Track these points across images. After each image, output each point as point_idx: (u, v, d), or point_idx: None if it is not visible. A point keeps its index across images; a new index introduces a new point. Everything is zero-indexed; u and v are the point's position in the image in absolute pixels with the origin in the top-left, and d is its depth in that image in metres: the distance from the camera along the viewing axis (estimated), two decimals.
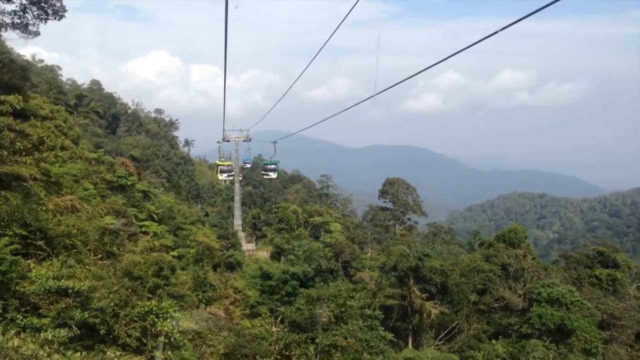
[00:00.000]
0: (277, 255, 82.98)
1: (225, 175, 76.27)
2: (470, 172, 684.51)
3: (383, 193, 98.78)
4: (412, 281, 44.08)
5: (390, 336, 36.94)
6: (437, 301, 43.99)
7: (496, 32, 9.90)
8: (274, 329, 41.05)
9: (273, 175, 59.25)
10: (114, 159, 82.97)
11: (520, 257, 50.53)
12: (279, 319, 41.52)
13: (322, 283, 43.33)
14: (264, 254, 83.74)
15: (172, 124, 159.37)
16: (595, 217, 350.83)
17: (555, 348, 40.65)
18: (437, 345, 43.40)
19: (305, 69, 20.59)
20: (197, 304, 36.00)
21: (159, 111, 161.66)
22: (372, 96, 17.34)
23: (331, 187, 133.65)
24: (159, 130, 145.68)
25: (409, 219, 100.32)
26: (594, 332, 42.26)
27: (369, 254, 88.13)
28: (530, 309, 44.90)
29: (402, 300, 44.49)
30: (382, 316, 38.82)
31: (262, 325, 41.72)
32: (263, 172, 60.94)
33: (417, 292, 43.34)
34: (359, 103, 18.64)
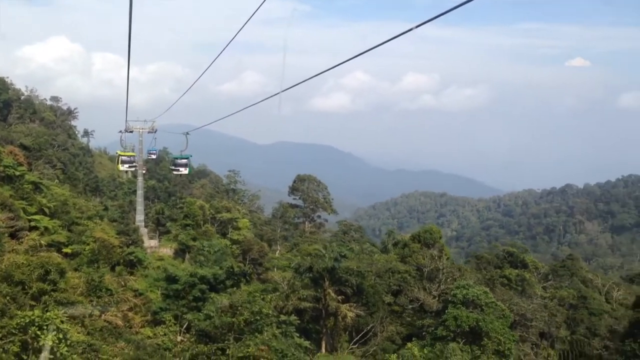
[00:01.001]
0: (181, 252, 78.90)
1: (127, 166, 73.81)
2: (375, 171, 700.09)
3: (293, 190, 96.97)
4: (327, 283, 42.12)
5: (306, 344, 34.55)
6: (352, 303, 42.26)
7: (397, 36, 10.25)
8: (179, 338, 37.41)
9: (184, 171, 50.95)
10: (2, 147, 75.60)
11: (436, 258, 50.21)
12: (185, 327, 37.95)
13: (233, 287, 40.15)
14: (167, 251, 79.45)
15: (70, 113, 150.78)
16: (490, 217, 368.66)
17: (469, 350, 40.28)
18: (351, 349, 41.93)
19: (212, 63, 20.18)
20: (90, 311, 31.98)
21: (55, 99, 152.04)
22: (277, 93, 17.39)
23: (239, 182, 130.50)
24: (55, 119, 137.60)
25: (319, 217, 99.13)
26: (507, 333, 42.38)
27: (277, 251, 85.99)
28: (446, 311, 44.27)
29: (317, 303, 42.37)
30: (298, 321, 36.29)
31: (165, 334, 37.68)
32: (173, 168, 53.37)
33: (333, 294, 41.42)
34: (265, 100, 18.73)
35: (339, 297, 41.85)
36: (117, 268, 69.18)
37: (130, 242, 70.45)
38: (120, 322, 31.85)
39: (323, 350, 40.59)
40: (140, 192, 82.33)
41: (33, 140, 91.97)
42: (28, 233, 62.04)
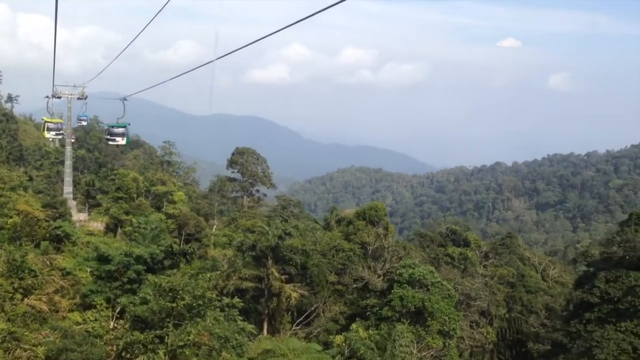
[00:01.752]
0: (113, 227, 75.33)
1: (54, 133, 70.45)
2: (311, 144, 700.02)
3: (232, 163, 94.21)
4: (270, 261, 40.46)
5: (250, 327, 32.76)
6: (297, 283, 40.81)
7: (332, 6, 10.29)
8: (111, 324, 34.74)
9: (121, 141, 45.30)
10: None
11: (381, 236, 49.41)
12: (118, 311, 35.14)
13: (172, 268, 37.40)
14: (98, 225, 75.62)
15: None
16: (423, 193, 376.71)
17: (413, 330, 39.85)
18: (294, 331, 40.61)
19: (145, 27, 17.84)
20: (10, 295, 28.84)
21: None
22: (211, 61, 17.57)
23: (174, 154, 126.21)
24: None
25: (258, 191, 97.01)
26: (453, 313, 42.19)
27: (215, 226, 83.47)
28: (392, 291, 43.58)
29: (259, 283, 40.65)
30: (241, 304, 34.13)
31: (96, 320, 34.59)
32: (108, 138, 46.30)
33: (276, 274, 39.83)
34: (197, 68, 18.66)
35: (283, 277, 40.35)
36: (43, 244, 65.23)
37: (57, 215, 66.31)
38: (45, 307, 28.14)
39: (265, 332, 39.04)
40: (68, 163, 77.58)
41: None
42: None
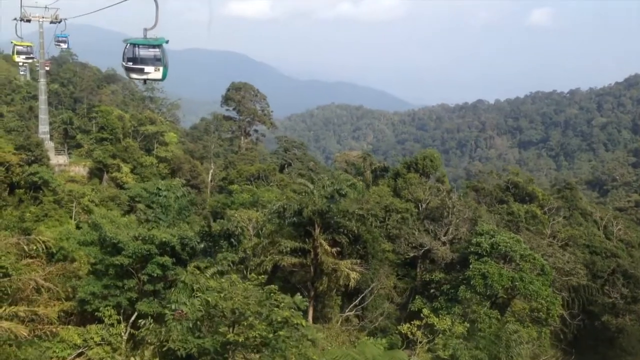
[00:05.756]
0: (98, 172, 66.25)
1: (24, 57, 66.82)
2: (288, 81, 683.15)
3: (227, 99, 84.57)
4: (317, 230, 31.41)
5: (313, 333, 22.72)
6: (354, 260, 31.80)
7: None
8: (125, 347, 24.06)
9: (155, 73, 24.39)
10: None
11: (444, 193, 40.98)
12: (131, 323, 25.10)
13: (207, 256, 27.01)
14: (79, 169, 66.68)
15: None
16: (405, 130, 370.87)
17: (498, 317, 32.38)
18: (347, 318, 32.39)
19: None
20: None
21: None
22: None
23: (157, 90, 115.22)
24: None
25: (256, 131, 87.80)
26: (550, 296, 34.47)
27: (211, 171, 74.90)
28: (469, 265, 35.77)
29: (303, 258, 31.77)
30: (304, 301, 24.13)
31: (103, 340, 23.59)
32: (129, 66, 24.53)
33: (326, 247, 30.84)
34: None
35: (334, 250, 31.31)
36: (17, 192, 56.15)
37: (32, 159, 57.24)
38: (22, 330, 17.00)
39: (310, 319, 30.20)
40: (43, 98, 67.57)
41: None
42: None
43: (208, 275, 24.77)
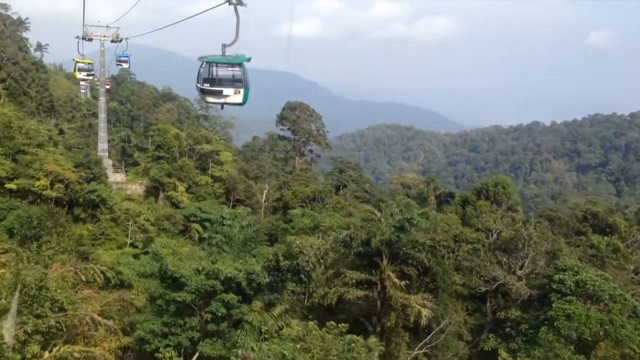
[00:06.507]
0: (153, 190, 66.10)
1: (84, 74, 67.84)
2: (338, 101, 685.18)
3: (282, 119, 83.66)
4: (385, 261, 29.16)
5: None
6: (425, 294, 29.26)
7: None
8: None
9: (234, 96, 21.17)
10: None
11: (519, 222, 38.21)
12: None
13: (274, 292, 24.85)
14: (136, 187, 66.65)
15: (20, 23, 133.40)
16: (457, 152, 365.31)
17: None
18: (416, 357, 29.74)
19: None
20: (19, 348, 16.25)
21: (4, 6, 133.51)
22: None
23: (211, 108, 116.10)
24: (3, 29, 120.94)
25: (311, 151, 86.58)
26: None
27: (265, 191, 73.82)
28: (551, 304, 32.64)
29: (369, 290, 29.45)
30: (379, 345, 21.67)
31: None
32: (206, 88, 21.30)
33: (395, 279, 28.53)
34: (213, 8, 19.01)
35: (402, 283, 28.87)
36: (76, 210, 56.33)
37: (91, 177, 57.40)
38: None
39: (376, 358, 27.82)
40: (102, 116, 68.23)
41: None
42: None
43: (276, 315, 22.91)
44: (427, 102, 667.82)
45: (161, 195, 64.98)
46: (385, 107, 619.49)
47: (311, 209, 59.46)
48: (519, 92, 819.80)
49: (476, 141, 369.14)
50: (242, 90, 20.91)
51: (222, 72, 20.73)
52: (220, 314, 23.64)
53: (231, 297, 23.81)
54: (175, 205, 63.03)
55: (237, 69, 20.77)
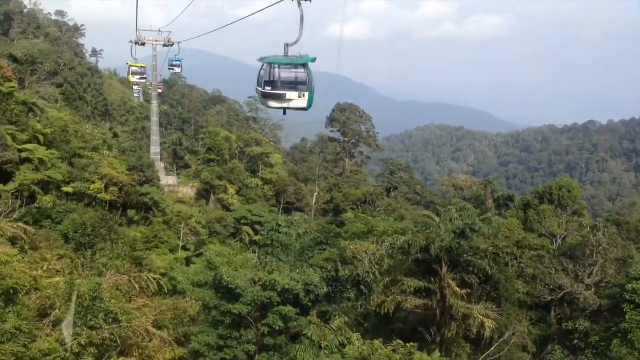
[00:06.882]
0: (205, 193, 66.43)
1: (138, 77, 69.22)
2: (386, 101, 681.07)
3: (332, 120, 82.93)
4: (445, 269, 27.64)
5: None
6: (488, 304, 27.54)
7: None
8: None
9: (298, 100, 19.09)
10: None
11: (587, 229, 36.21)
12: None
13: (333, 306, 23.63)
14: (188, 190, 67.13)
15: (76, 30, 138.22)
16: (508, 152, 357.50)
17: None
18: None
19: None
20: None
21: (60, 13, 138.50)
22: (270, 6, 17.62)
23: (260, 110, 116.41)
24: (60, 36, 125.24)
25: (361, 153, 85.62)
26: None
27: (315, 193, 73.25)
28: (625, 315, 30.65)
29: (428, 299, 27.97)
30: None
31: None
32: (268, 92, 19.27)
33: (455, 288, 27.02)
34: (262, 10, 19.21)
35: (463, 292, 27.30)
36: (129, 212, 57.01)
37: (144, 179, 58.00)
38: None
39: None
40: (155, 119, 69.21)
41: (25, 51, 77.35)
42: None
43: (335, 327, 21.96)
44: (476, 102, 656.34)
45: (212, 198, 65.27)
46: (434, 107, 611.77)
47: (362, 212, 58.45)
48: (572, 91, 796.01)
49: (529, 141, 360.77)
50: (306, 94, 18.99)
51: (285, 73, 18.97)
52: (277, 327, 22.73)
53: (289, 309, 22.89)
54: (226, 208, 63.23)
55: (302, 70, 18.88)
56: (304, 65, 18.80)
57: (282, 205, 68.21)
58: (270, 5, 18.75)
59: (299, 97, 18.86)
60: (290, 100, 18.89)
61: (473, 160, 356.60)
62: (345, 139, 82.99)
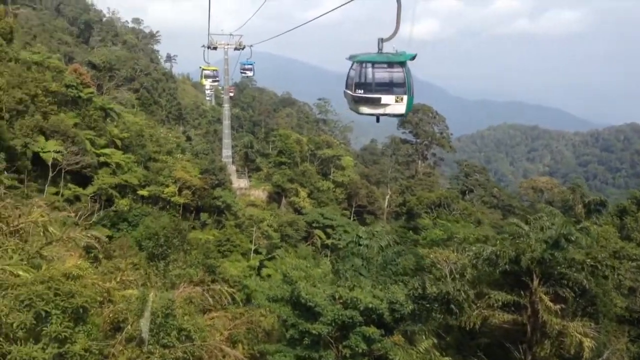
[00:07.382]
0: (276, 196, 66.07)
1: (210, 80, 70.02)
2: (456, 101, 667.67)
3: (404, 122, 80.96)
4: (536, 282, 25.25)
5: None
6: (587, 322, 24.96)
7: None
8: None
9: (396, 106, 15.92)
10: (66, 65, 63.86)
11: None
12: None
13: (419, 326, 22.19)
14: (259, 193, 66.95)
15: (152, 37, 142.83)
16: (587, 152, 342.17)
17: None
18: None
19: None
20: None
21: (137, 21, 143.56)
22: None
23: (330, 112, 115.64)
24: (137, 42, 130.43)
25: (434, 155, 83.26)
26: None
27: (387, 196, 71.57)
28: None
29: (518, 314, 25.66)
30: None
31: None
32: (360, 96, 16.33)
33: (549, 303, 24.56)
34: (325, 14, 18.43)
35: (557, 307, 24.75)
36: (202, 215, 57.34)
37: (216, 183, 58.25)
38: None
39: None
40: (227, 123, 69.72)
41: (104, 58, 79.81)
42: (37, 200, 50.43)
43: (422, 350, 20.39)
44: (550, 100, 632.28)
45: (283, 201, 64.85)
46: (506, 106, 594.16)
47: (437, 216, 56.38)
48: None
49: (609, 140, 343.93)
50: (405, 97, 16.05)
51: (380, 74, 16.15)
52: (360, 350, 21.11)
53: (373, 330, 21.19)
54: (298, 211, 62.60)
55: (399, 69, 16.06)
56: (402, 64, 16.05)
57: (353, 209, 66.98)
58: (341, 5, 17.17)
59: (396, 101, 16.04)
60: (386, 105, 16.13)
61: (549, 161, 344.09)
62: (418, 140, 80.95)
